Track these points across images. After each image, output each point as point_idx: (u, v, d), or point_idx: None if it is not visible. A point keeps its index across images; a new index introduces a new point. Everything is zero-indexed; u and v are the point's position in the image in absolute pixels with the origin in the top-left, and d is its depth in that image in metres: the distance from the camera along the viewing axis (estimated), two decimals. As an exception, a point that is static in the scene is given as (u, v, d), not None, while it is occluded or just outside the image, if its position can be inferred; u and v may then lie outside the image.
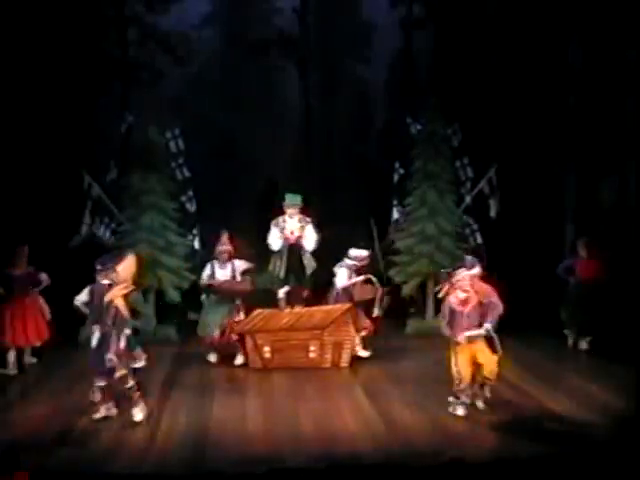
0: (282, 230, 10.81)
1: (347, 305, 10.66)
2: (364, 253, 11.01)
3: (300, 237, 10.80)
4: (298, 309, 10.69)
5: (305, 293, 10.89)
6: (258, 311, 10.62)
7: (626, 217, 13.62)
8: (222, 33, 17.32)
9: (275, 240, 10.82)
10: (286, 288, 10.76)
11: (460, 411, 8.40)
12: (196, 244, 12.54)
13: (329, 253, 11.77)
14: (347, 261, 10.92)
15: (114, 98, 15.33)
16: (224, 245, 10.83)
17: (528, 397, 8.99)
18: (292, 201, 10.84)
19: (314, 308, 10.76)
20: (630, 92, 13.47)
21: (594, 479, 6.92)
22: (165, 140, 12.36)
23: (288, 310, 10.66)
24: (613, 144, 13.86)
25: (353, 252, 10.95)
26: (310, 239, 10.84)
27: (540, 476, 6.95)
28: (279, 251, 10.76)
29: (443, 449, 7.40)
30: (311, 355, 10.47)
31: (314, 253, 10.85)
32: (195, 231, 12.64)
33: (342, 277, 10.90)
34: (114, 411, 8.39)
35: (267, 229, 11.06)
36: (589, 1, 13.70)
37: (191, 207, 12.53)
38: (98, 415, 8.31)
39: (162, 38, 15.62)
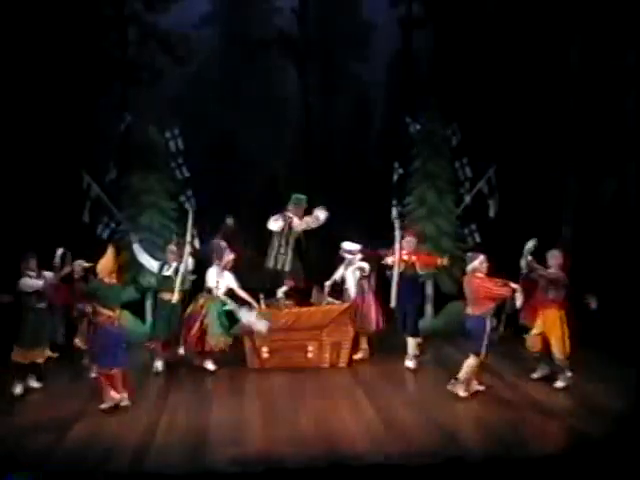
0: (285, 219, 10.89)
1: (345, 305, 10.66)
2: (357, 246, 11.03)
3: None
4: (296, 309, 10.67)
5: (300, 284, 10.91)
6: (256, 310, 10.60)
7: (626, 218, 13.60)
8: (222, 33, 17.34)
9: (275, 223, 10.88)
10: (285, 287, 10.75)
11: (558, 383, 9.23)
12: (196, 243, 12.49)
13: (328, 252, 11.79)
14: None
15: (114, 98, 15.31)
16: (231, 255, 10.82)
17: (528, 397, 8.98)
18: (297, 202, 10.92)
19: (313, 308, 10.75)
20: (629, 93, 13.46)
21: (594, 479, 6.92)
22: (164, 140, 12.34)
23: (286, 310, 10.64)
24: (613, 145, 13.84)
25: (347, 246, 11.00)
26: (302, 223, 10.89)
27: (540, 476, 6.95)
28: (283, 246, 10.85)
29: (442, 449, 7.40)
30: (309, 355, 10.47)
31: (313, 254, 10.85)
32: (194, 231, 12.58)
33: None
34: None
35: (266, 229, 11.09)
36: (589, 1, 13.70)
37: (190, 207, 12.49)
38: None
39: (162, 37, 15.63)
